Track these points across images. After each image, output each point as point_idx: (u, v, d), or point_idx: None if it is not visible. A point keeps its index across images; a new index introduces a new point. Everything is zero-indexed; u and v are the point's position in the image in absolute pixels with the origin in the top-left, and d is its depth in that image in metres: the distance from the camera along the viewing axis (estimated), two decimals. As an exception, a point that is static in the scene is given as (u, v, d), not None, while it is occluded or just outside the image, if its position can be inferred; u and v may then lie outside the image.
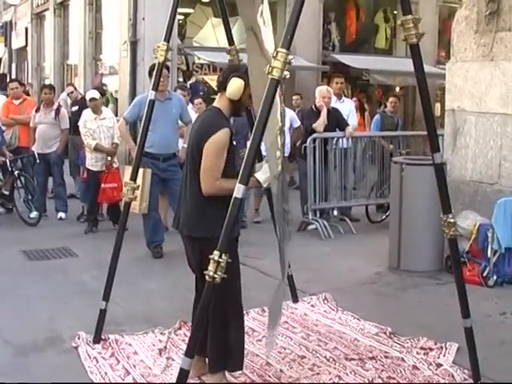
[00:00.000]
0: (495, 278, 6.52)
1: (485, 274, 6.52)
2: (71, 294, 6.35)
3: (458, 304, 5.99)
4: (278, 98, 3.69)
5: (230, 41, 5.60)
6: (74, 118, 10.33)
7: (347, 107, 10.09)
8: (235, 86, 4.06)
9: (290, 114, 10.22)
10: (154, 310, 5.93)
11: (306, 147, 8.94)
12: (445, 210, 4.23)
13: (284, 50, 3.40)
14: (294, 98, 14.00)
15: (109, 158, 9.04)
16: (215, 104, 4.21)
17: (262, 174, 4.03)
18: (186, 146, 8.16)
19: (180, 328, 5.40)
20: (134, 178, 5.17)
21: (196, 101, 10.42)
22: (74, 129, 10.07)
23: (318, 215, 9.12)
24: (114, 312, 5.46)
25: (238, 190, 3.42)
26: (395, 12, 20.62)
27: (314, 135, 8.97)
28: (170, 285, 6.68)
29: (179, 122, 8.03)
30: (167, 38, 5.09)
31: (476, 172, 7.24)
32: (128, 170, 7.96)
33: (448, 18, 21.27)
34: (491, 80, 6.99)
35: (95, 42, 18.79)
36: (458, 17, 7.42)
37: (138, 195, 7.50)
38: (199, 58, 16.97)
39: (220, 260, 3.40)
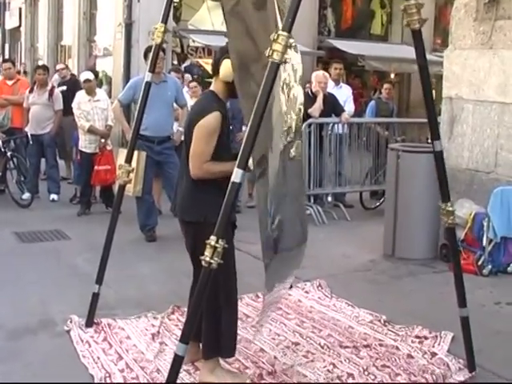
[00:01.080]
0: (490, 267, 6.50)
1: (480, 263, 6.49)
2: (64, 277, 6.31)
3: (453, 293, 5.95)
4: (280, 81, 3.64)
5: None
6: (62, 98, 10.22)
7: (345, 93, 10.06)
8: (228, 67, 3.99)
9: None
10: (147, 294, 5.89)
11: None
12: (444, 199, 4.19)
13: (285, 33, 3.33)
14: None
15: (102, 140, 8.98)
16: (211, 88, 4.16)
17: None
18: (181, 129, 8.17)
19: (173, 313, 5.36)
20: (128, 160, 5.11)
21: (191, 84, 10.36)
22: (63, 109, 10.02)
23: (312, 201, 9.08)
24: (106, 296, 5.42)
25: (236, 175, 3.36)
26: (392, -2, 20.60)
27: (310, 120, 8.91)
28: (164, 269, 6.64)
29: (174, 104, 7.95)
30: (164, 20, 5.00)
31: (472, 160, 7.21)
32: (122, 153, 7.92)
33: (444, 5, 21.19)
34: (490, 68, 6.94)
35: (89, 23, 18.68)
36: (457, 4, 7.36)
37: (133, 178, 7.43)
38: (194, 41, 16.88)
39: (217, 245, 3.35)
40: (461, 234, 6.75)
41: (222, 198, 3.54)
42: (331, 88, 9.73)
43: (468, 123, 7.24)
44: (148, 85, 5.07)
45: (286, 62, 3.37)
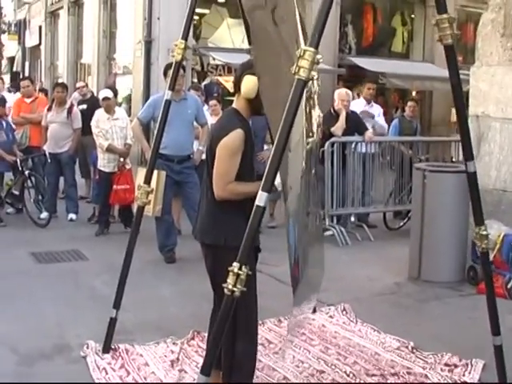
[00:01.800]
0: (520, 290, 6.28)
1: (509, 287, 6.27)
2: (81, 299, 6.16)
3: (482, 318, 5.77)
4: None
5: (250, 39, 5.32)
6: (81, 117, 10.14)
7: (376, 112, 9.96)
8: (249, 83, 3.84)
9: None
10: (166, 317, 5.72)
11: (323, 151, 8.71)
12: (477, 222, 4.01)
13: (312, 49, 3.18)
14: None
15: (121, 159, 8.85)
16: (233, 105, 4.00)
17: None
18: (201, 148, 8.02)
19: (193, 338, 5.19)
20: (147, 181, 4.97)
21: (211, 102, 10.24)
22: (82, 129, 9.92)
23: (334, 221, 8.89)
24: (124, 320, 5.25)
25: (261, 198, 3.19)
26: (412, 16, 20.42)
27: (333, 139, 8.76)
28: (183, 292, 6.48)
29: (194, 123, 7.82)
30: (185, 36, 4.88)
31: (500, 180, 7.00)
32: (141, 172, 7.78)
33: (465, 22, 21.04)
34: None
35: (109, 41, 18.68)
36: (483, 20, 7.18)
37: (152, 198, 7.30)
38: (214, 59, 16.80)
39: (240, 272, 3.18)
40: (491, 257, 6.54)
41: (244, 220, 3.43)
42: (363, 107, 9.64)
43: (495, 142, 7.04)
44: (168, 103, 4.95)
45: (312, 80, 3.22)
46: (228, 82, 18.66)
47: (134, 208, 7.55)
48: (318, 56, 3.20)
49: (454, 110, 18.76)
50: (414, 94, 20.32)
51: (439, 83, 19.23)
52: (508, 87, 6.87)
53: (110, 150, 8.75)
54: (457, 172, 6.71)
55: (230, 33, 18.01)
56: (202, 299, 6.15)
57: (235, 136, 3.75)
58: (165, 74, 7.43)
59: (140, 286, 6.28)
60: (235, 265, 3.20)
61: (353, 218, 9.30)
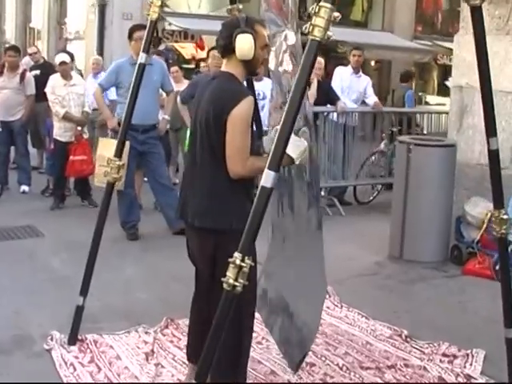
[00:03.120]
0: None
1: (498, 267, 5.94)
2: (40, 282, 5.62)
3: (472, 302, 5.53)
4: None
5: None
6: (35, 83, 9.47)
7: (364, 82, 9.44)
8: (245, 42, 3.33)
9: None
10: (135, 302, 5.26)
11: (293, 122, 8.25)
12: (496, 205, 3.66)
13: (328, 5, 2.72)
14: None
15: (79, 128, 8.27)
16: (224, 69, 3.50)
17: (295, 148, 3.33)
18: (166, 117, 7.50)
19: (167, 326, 4.75)
20: (118, 154, 4.46)
21: (172, 69, 9.70)
22: (35, 95, 9.27)
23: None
24: (89, 305, 4.67)
25: (267, 178, 2.74)
26: (373, -16, 20.05)
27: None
28: (150, 272, 6.01)
29: (160, 90, 7.30)
30: (161, -8, 4.35)
31: (484, 155, 6.60)
32: (102, 142, 7.27)
33: (425, -8, 20.79)
34: (506, 56, 6.39)
35: (60, 3, 17.82)
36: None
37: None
38: (170, 24, 16.15)
39: (242, 264, 2.73)
40: (475, 235, 6.24)
41: (249, 202, 3.11)
42: (349, 75, 9.16)
43: (480, 115, 6.62)
44: (142, 66, 4.44)
45: (329, 39, 2.76)
46: (184, 48, 18.05)
47: (93, 181, 7.11)
48: (335, 13, 2.74)
49: (414, 82, 18.31)
50: (373, 63, 20.04)
51: (399, 53, 18.96)
52: (495, 57, 6.46)
53: (66, 118, 8.16)
54: (443, 146, 6.36)
55: (187, -3, 17.38)
56: (170, 280, 5.75)
57: (248, 104, 3.28)
58: (130, 36, 6.90)
59: (102, 266, 5.64)
60: (237, 256, 2.75)
61: (323, 192, 8.88)
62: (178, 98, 7.59)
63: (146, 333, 4.64)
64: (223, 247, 3.26)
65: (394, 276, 6.08)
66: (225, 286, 2.77)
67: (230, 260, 2.75)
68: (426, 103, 19.29)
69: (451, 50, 21.17)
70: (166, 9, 15.75)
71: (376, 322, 4.94)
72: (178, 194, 7.32)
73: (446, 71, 20.54)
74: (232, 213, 3.34)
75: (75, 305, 4.46)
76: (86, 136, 8.38)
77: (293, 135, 3.45)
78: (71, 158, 8.19)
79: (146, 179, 7.83)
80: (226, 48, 3.42)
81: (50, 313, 4.91)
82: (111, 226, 6.97)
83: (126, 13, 14.59)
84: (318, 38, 2.72)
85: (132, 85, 4.44)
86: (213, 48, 7.87)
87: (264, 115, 9.00)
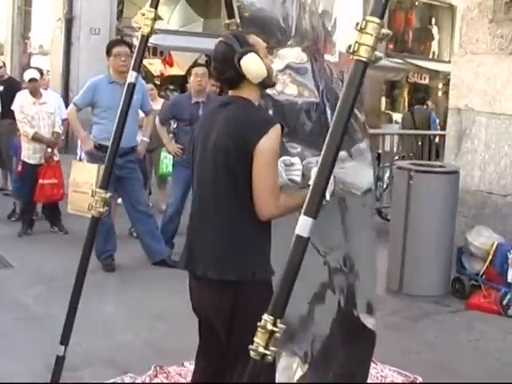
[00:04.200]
0: (516, 306, 5.61)
1: (505, 302, 5.59)
2: (11, 322, 5.08)
3: (482, 340, 5.14)
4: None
5: (230, 13, 4.36)
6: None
7: None
8: (253, 64, 2.85)
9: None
10: (118, 346, 4.74)
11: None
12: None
13: (377, 20, 2.29)
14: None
15: (49, 150, 7.72)
16: (239, 95, 2.94)
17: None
18: (145, 138, 7.01)
19: (156, 375, 4.27)
20: (105, 185, 3.96)
21: (147, 86, 9.20)
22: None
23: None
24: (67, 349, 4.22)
25: (304, 226, 2.29)
26: None
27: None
28: (132, 309, 5.51)
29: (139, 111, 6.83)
30: (155, 4, 3.89)
31: (485, 181, 6.32)
32: (76, 167, 6.76)
33: (396, 9, 20.64)
34: (509, 77, 6.07)
35: (24, 17, 17.22)
36: (468, 3, 6.46)
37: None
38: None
39: (275, 329, 2.28)
40: (479, 267, 5.87)
41: (269, 246, 2.85)
42: None
43: (480, 138, 6.35)
44: (132, 86, 3.97)
45: (376, 61, 2.33)
46: (152, 64, 17.56)
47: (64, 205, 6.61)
48: (384, 30, 2.32)
49: (384, 100, 18.34)
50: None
51: (370, 70, 18.57)
52: (497, 78, 6.18)
53: (36, 138, 7.61)
54: (447, 173, 5.98)
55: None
56: (155, 320, 5.28)
57: (277, 133, 2.80)
58: (108, 51, 6.43)
59: (80, 302, 5.26)
60: (267, 319, 2.29)
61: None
62: (157, 119, 7.14)
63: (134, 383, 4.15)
64: (244, 301, 2.81)
65: (396, 312, 5.66)
66: (252, 354, 2.30)
67: (260, 324, 2.29)
68: (396, 122, 19.07)
69: (422, 68, 21.07)
70: (135, 24, 15.19)
71: (385, 367, 4.51)
72: (155, 221, 6.98)
73: (415, 89, 20.40)
74: (254, 260, 2.86)
75: (51, 348, 3.94)
76: (56, 158, 7.84)
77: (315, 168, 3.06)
78: (40, 181, 7.66)
79: (119, 201, 7.34)
80: (235, 79, 2.91)
81: (23, 358, 4.39)
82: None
83: (93, 28, 14.08)
84: (364, 59, 2.29)
85: (121, 107, 3.97)
86: (194, 65, 7.47)
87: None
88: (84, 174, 6.48)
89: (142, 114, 7.05)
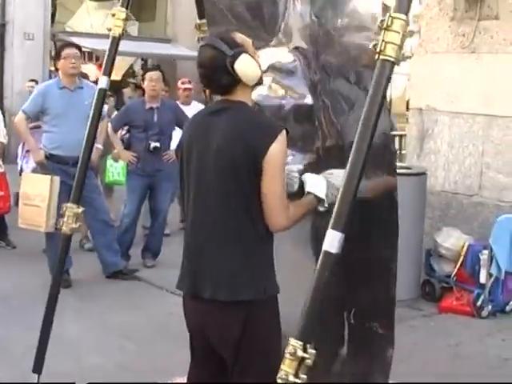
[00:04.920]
0: (490, 307, 5.54)
1: (478, 304, 5.52)
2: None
3: (462, 344, 5.06)
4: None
5: (201, 12, 4.13)
6: None
7: None
8: (247, 65, 2.65)
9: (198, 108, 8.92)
10: (89, 370, 4.43)
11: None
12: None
13: (403, 17, 2.13)
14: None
15: (-7, 161, 7.36)
16: (235, 98, 2.71)
17: (322, 187, 2.79)
18: (99, 146, 6.67)
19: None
20: (76, 199, 3.69)
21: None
22: None
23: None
24: (31, 376, 3.89)
25: (332, 241, 2.10)
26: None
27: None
28: (96, 328, 5.23)
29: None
30: (126, 4, 3.64)
31: (449, 181, 6.27)
32: (26, 179, 6.41)
33: None
34: (471, 75, 6.03)
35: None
36: (428, 1, 6.40)
37: (44, 209, 5.99)
38: (75, 45, 15.27)
39: (305, 355, 2.08)
40: (449, 269, 5.80)
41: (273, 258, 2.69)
42: None
43: (443, 138, 6.30)
44: (103, 92, 3.70)
45: (403, 60, 2.16)
46: (88, 70, 17.10)
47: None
48: (410, 27, 2.15)
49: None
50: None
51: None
52: (459, 78, 6.13)
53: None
54: (414, 174, 5.89)
55: (90, 17, 16.55)
56: (122, 339, 5.03)
57: (285, 139, 2.60)
58: (58, 54, 6.12)
59: (37, 322, 4.93)
60: (295, 344, 2.09)
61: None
62: (110, 126, 6.84)
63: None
64: (255, 320, 2.61)
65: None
66: (279, 382, 2.10)
67: (288, 351, 2.09)
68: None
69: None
70: (68, 29, 14.80)
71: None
72: (115, 232, 6.67)
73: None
74: (265, 277, 2.67)
75: (20, 375, 3.68)
76: (1, 170, 7.45)
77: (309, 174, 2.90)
78: (-15, 194, 7.27)
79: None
80: (230, 84, 2.68)
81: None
82: (35, 271, 6.22)
83: (27, 33, 13.62)
84: (391, 58, 2.12)
85: (92, 115, 3.69)
86: (149, 69, 7.20)
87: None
88: (35, 186, 6.13)
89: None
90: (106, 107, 6.55)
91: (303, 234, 3.20)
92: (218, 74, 2.67)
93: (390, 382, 3.35)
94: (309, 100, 3.32)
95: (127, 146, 7.09)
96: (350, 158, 2.14)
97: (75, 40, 14.90)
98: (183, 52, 16.06)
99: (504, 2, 5.78)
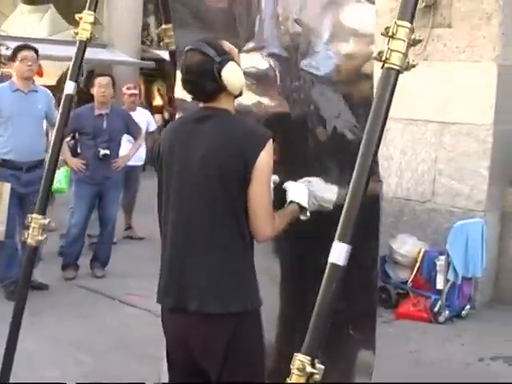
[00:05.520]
0: (447, 312, 5.61)
1: (436, 309, 5.57)
2: None
3: (423, 350, 5.10)
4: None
5: (167, 17, 4.01)
6: None
7: None
8: (234, 75, 2.60)
9: (147, 116, 8.79)
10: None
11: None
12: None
13: (408, 25, 2.11)
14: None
15: None
16: (213, 106, 2.66)
17: (304, 196, 2.81)
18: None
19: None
20: (42, 210, 3.53)
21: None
22: None
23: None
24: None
25: (339, 253, 2.06)
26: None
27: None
28: (50, 341, 5.05)
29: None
30: (93, 7, 3.52)
31: (402, 188, 6.33)
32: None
33: None
34: (424, 83, 6.08)
35: None
36: (379, 8, 6.42)
37: (-8, 217, 5.77)
38: (8, 49, 14.82)
39: (313, 371, 2.02)
40: (404, 275, 5.85)
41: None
42: None
43: (396, 145, 6.35)
44: (70, 98, 3.55)
45: (408, 69, 2.15)
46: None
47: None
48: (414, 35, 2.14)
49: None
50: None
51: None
52: (411, 85, 6.14)
53: None
54: (371, 181, 5.91)
55: (24, 20, 16.15)
56: (77, 351, 4.88)
57: (271, 148, 2.56)
58: (14, 55, 5.89)
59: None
60: (303, 360, 2.03)
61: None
62: (57, 132, 6.63)
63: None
64: (242, 332, 2.56)
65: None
66: (283, 402, 2.04)
67: (295, 366, 2.03)
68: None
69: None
70: (2, 32, 14.34)
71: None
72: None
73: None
74: (251, 288, 2.61)
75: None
76: None
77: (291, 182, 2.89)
78: None
79: None
80: (215, 91, 2.62)
81: None
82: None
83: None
84: (396, 67, 2.10)
85: (58, 122, 3.52)
86: (98, 75, 7.02)
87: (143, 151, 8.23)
88: (-21, 194, 5.91)
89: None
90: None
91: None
92: (203, 80, 2.60)
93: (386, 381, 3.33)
94: (283, 107, 3.28)
95: (73, 153, 6.92)
96: (354, 172, 2.11)
97: (9, 44, 14.52)
98: (119, 57, 15.85)
99: (456, 10, 5.87)
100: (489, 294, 6.17)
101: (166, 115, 16.67)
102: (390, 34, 2.09)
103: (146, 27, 18.22)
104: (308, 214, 2.84)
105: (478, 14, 5.76)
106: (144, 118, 8.39)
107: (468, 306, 5.79)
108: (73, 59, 3.58)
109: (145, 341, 5.02)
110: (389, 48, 2.09)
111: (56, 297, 6.14)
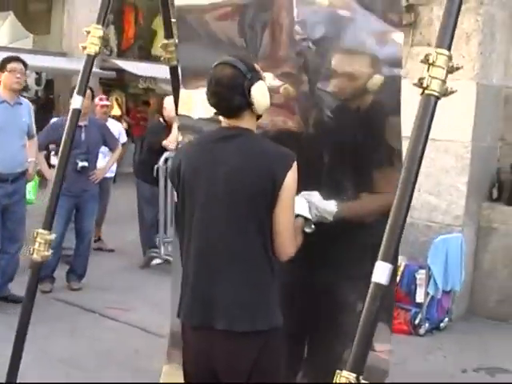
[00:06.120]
0: (427, 325, 5.73)
1: (417, 322, 5.69)
2: None
3: (406, 362, 5.19)
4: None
5: (169, 32, 4.05)
6: None
7: None
8: (263, 94, 2.66)
9: (118, 128, 8.77)
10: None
11: (158, 168, 7.54)
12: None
13: (447, 53, 2.19)
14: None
15: None
16: (236, 125, 2.71)
17: (306, 208, 2.94)
18: (33, 159, 6.38)
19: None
20: (48, 225, 3.52)
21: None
22: None
23: (170, 249, 7.73)
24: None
25: (383, 272, 2.13)
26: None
27: (166, 154, 7.55)
28: (38, 355, 4.97)
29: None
30: (102, 21, 3.53)
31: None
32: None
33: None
34: (404, 100, 6.18)
35: None
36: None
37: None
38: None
39: (359, 387, 2.09)
40: (385, 289, 5.93)
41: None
42: None
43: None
44: (77, 112, 3.58)
45: (447, 95, 2.23)
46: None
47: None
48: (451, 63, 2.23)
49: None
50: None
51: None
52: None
53: None
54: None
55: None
56: (66, 367, 4.87)
57: (296, 168, 2.62)
58: (2, 67, 5.82)
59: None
60: (349, 376, 2.08)
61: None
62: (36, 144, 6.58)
63: None
64: (268, 349, 2.61)
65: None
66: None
67: (340, 382, 2.09)
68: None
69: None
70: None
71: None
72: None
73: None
74: (273, 305, 2.66)
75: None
76: None
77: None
78: None
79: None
80: (241, 107, 2.67)
81: None
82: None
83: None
84: (436, 93, 2.18)
85: (65, 134, 3.53)
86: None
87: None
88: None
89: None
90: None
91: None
92: (232, 93, 2.63)
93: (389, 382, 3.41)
94: (297, 126, 3.34)
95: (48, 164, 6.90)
96: (397, 192, 2.18)
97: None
98: (79, 66, 15.69)
99: (436, 29, 6.00)
100: (464, 306, 6.32)
101: (124, 125, 16.62)
102: (430, 61, 2.17)
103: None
104: (313, 226, 2.93)
105: (458, 34, 5.89)
106: (116, 130, 8.37)
107: (446, 319, 5.93)
108: (80, 73, 3.60)
109: (135, 354, 5.03)
110: (429, 75, 2.17)
111: (34, 310, 6.05)
